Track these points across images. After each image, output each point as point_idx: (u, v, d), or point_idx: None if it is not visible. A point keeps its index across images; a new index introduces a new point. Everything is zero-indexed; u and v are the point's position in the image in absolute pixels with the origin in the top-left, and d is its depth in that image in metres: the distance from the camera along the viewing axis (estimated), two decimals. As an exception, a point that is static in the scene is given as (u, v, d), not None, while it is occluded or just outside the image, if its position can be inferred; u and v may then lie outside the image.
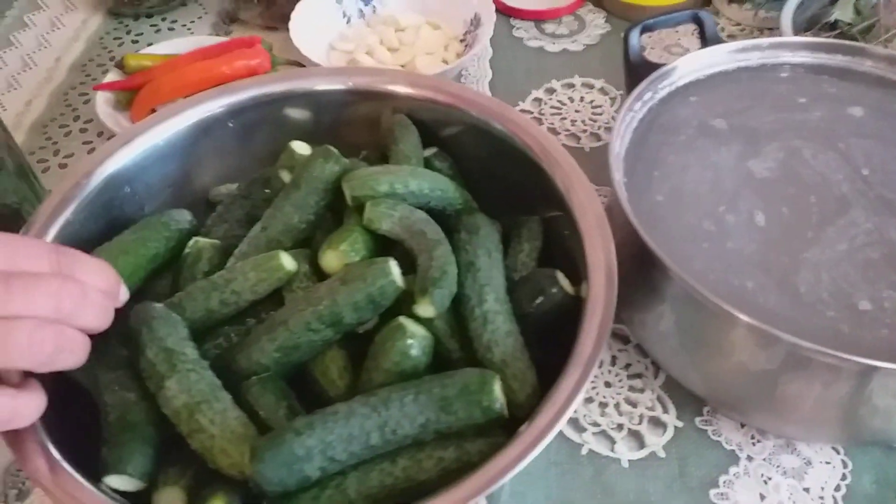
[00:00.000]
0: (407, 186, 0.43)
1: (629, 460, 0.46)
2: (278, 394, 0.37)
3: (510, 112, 0.48)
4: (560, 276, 0.42)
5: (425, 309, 0.38)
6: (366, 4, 0.76)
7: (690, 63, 0.53)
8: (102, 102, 0.65)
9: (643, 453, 0.47)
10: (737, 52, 0.55)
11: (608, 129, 0.68)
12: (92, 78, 0.76)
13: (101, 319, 0.34)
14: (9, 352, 0.30)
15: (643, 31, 0.55)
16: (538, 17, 0.80)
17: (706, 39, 0.57)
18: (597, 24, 0.80)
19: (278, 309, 0.42)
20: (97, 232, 0.46)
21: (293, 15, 0.70)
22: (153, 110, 0.65)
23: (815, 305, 0.41)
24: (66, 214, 0.44)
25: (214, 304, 0.40)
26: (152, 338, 0.37)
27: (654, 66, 0.53)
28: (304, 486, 0.33)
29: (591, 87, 0.73)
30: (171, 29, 0.83)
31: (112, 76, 0.68)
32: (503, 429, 0.36)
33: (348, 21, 0.76)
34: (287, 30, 0.79)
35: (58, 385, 0.35)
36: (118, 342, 0.41)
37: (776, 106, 0.52)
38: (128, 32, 0.82)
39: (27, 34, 0.83)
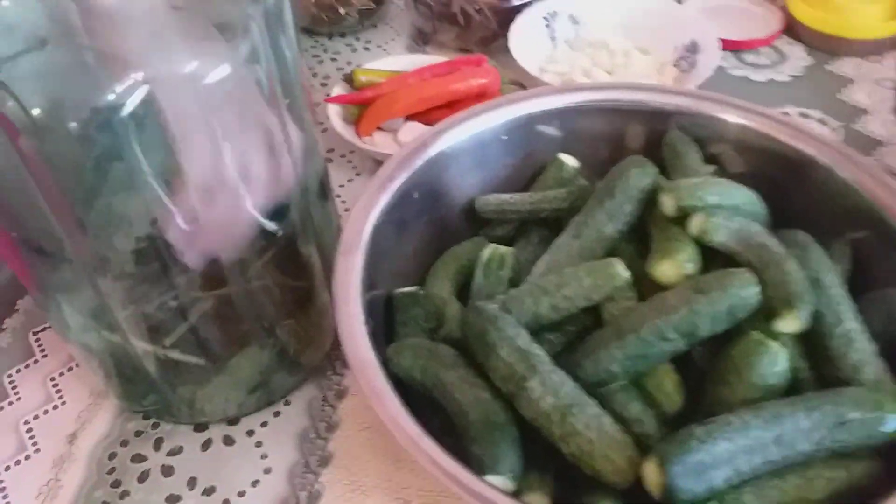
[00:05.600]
0: (732, 198, 0.42)
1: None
2: (644, 402, 0.36)
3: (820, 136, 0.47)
4: (908, 298, 0.40)
5: (791, 324, 0.36)
6: (573, 24, 0.77)
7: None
8: (335, 115, 0.66)
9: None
10: None
11: (839, 159, 0.66)
12: (297, 92, 0.78)
13: None
14: None
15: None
16: (735, 48, 0.80)
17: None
18: (798, 55, 0.79)
19: (589, 321, 0.42)
20: (391, 236, 0.46)
21: (510, 36, 0.71)
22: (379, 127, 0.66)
23: None
24: (373, 219, 0.44)
25: (544, 309, 0.40)
26: (502, 337, 0.37)
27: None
28: (706, 498, 0.32)
29: (808, 118, 0.71)
30: (366, 49, 0.85)
31: (339, 90, 0.69)
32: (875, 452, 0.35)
33: (554, 43, 0.76)
34: (481, 52, 0.81)
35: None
36: (442, 341, 0.41)
37: None
38: (325, 51, 0.85)
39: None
